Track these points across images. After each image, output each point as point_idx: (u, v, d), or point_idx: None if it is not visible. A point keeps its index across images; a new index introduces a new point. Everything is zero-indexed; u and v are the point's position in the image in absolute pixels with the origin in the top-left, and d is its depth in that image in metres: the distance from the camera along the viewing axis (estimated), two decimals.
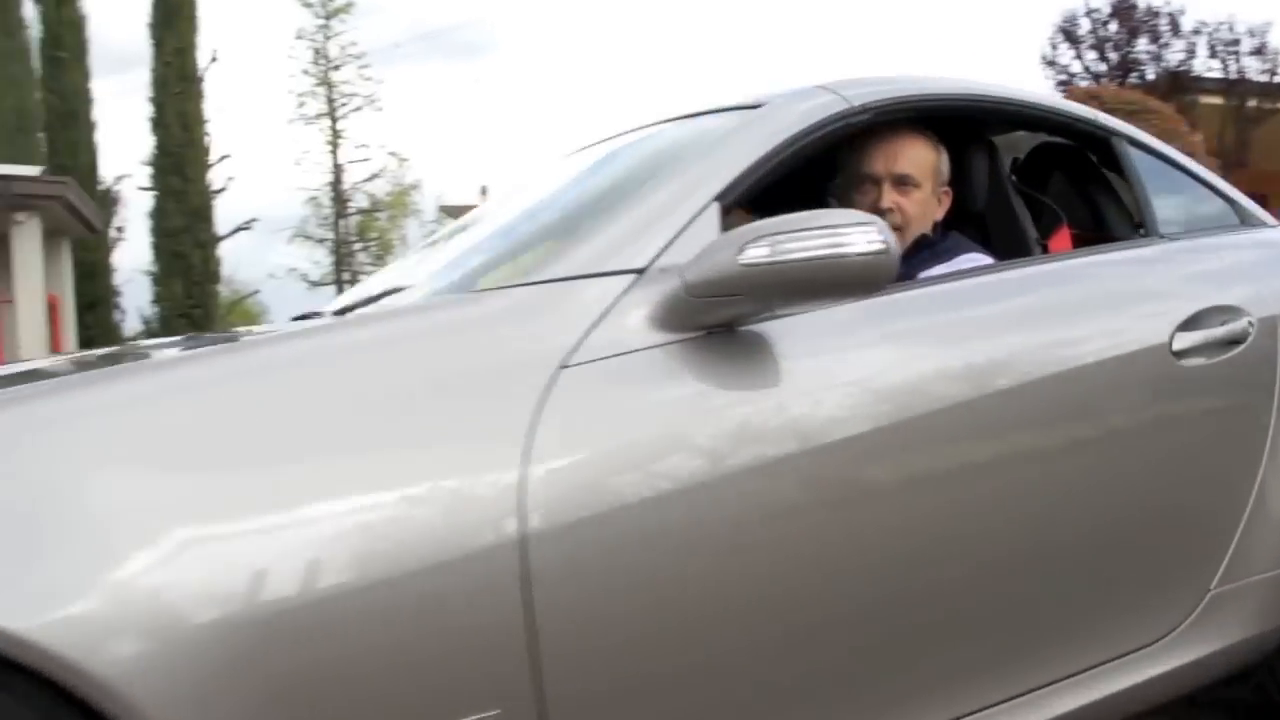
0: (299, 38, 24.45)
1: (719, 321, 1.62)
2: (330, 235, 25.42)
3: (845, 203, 2.30)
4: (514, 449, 1.42)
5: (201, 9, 20.67)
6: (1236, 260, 2.31)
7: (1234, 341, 2.11)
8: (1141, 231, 2.30)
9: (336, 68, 24.83)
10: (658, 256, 1.66)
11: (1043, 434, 1.88)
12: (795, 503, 1.63)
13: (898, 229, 2.26)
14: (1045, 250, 2.30)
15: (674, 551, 1.51)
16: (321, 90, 24.45)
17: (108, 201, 20.67)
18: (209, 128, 20.74)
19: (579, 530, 1.43)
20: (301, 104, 25.54)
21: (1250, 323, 2.14)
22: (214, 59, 23.06)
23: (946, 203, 2.37)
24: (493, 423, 1.45)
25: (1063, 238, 2.33)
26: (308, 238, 25.69)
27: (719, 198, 1.77)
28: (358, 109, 24.67)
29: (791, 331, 1.69)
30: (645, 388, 1.57)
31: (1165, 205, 2.40)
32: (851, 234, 1.57)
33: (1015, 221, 2.34)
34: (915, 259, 2.23)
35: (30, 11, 19.45)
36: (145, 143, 21.52)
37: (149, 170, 19.65)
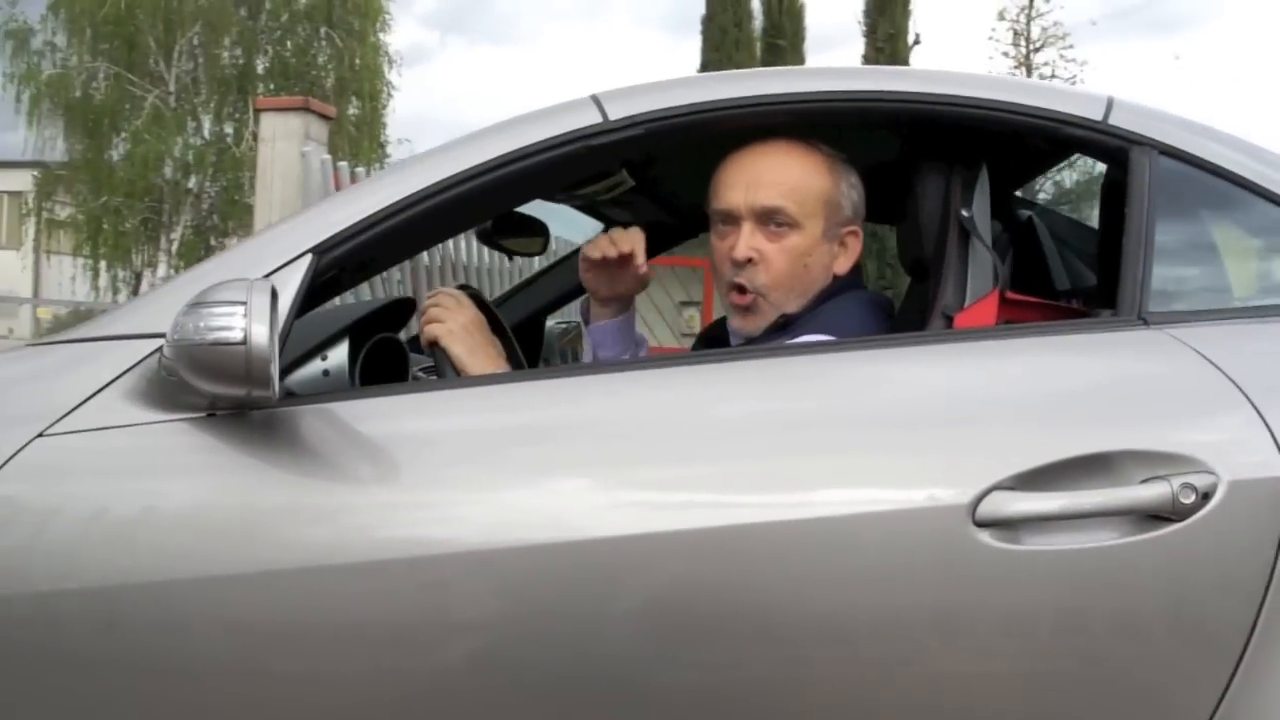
0: (1000, 18, 23.96)
1: (204, 404, 1.39)
2: None
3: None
4: None
5: None
6: (1258, 373, 1.42)
7: (1159, 516, 1.33)
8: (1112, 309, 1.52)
9: (1038, 49, 23.94)
10: None
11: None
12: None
13: (762, 294, 1.71)
14: (949, 324, 1.61)
15: (82, 647, 1.34)
16: (1020, 73, 23.74)
17: None
18: None
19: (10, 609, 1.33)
20: (1082, 87, 24.24)
21: (1205, 488, 1.32)
22: (917, 41, 23.28)
23: (854, 249, 1.74)
24: None
25: (982, 309, 1.60)
26: None
27: (316, 250, 1.48)
28: None
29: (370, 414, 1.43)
30: (101, 470, 1.40)
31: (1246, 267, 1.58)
32: (214, 315, 1.28)
33: (940, 280, 1.66)
34: (773, 340, 1.68)
35: (757, 4, 21.03)
36: None
37: None
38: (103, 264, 20.73)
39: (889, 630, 1.32)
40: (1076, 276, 2.04)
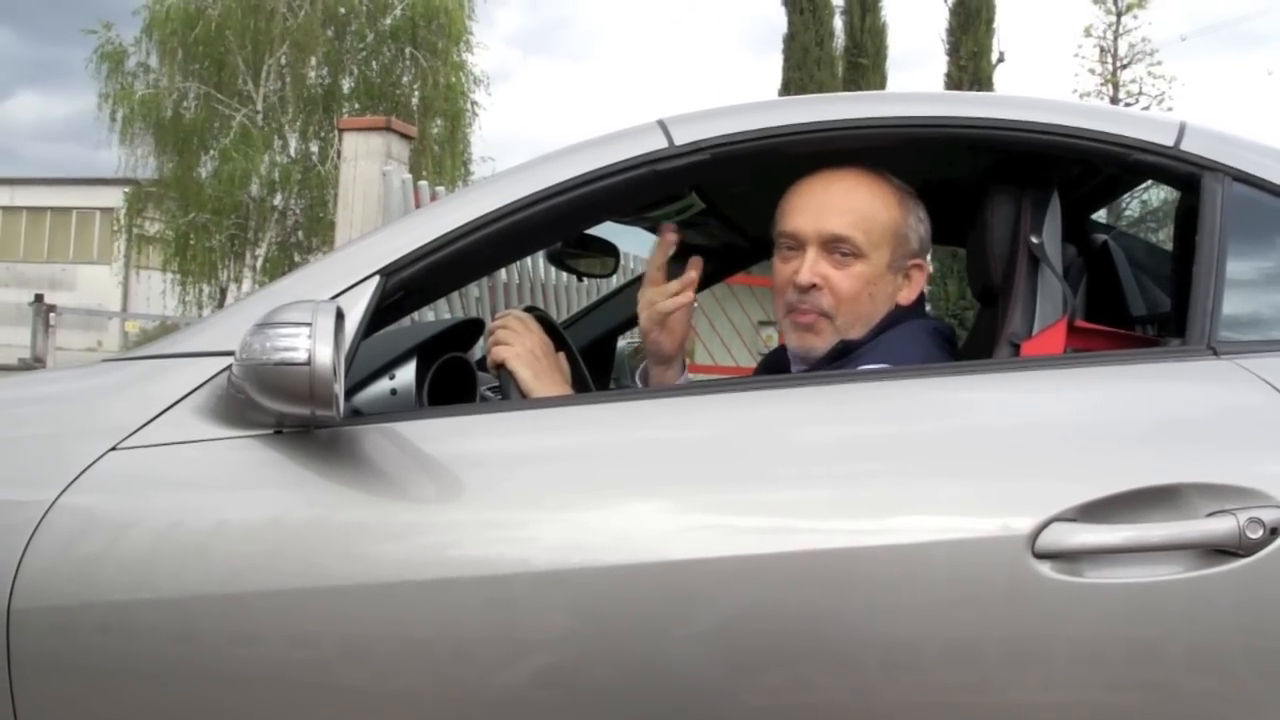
0: (1087, 35, 23.58)
1: (271, 422, 1.42)
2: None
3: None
4: (23, 527, 1.38)
5: (999, 13, 20.65)
6: None
7: (1225, 550, 1.29)
8: (1160, 334, 1.50)
9: (1125, 66, 23.52)
10: None
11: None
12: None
13: (826, 316, 1.69)
14: (1016, 352, 1.59)
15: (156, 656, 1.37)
16: (1106, 90, 23.35)
17: None
18: None
19: (68, 616, 1.37)
20: (1156, 112, 23.89)
21: (1274, 522, 1.29)
22: (1001, 59, 23.00)
23: (918, 281, 1.73)
24: (10, 497, 1.44)
25: (1049, 337, 1.57)
26: None
27: (383, 272, 1.51)
28: (1145, 109, 23.17)
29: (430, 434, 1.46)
30: (173, 484, 1.44)
31: None
32: (280, 336, 1.31)
33: (1008, 307, 1.64)
34: (833, 368, 1.67)
35: (839, 23, 20.96)
36: None
37: None
38: (190, 279, 21.17)
39: (958, 659, 1.31)
40: (1153, 302, 2.01)
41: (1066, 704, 1.30)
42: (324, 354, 1.28)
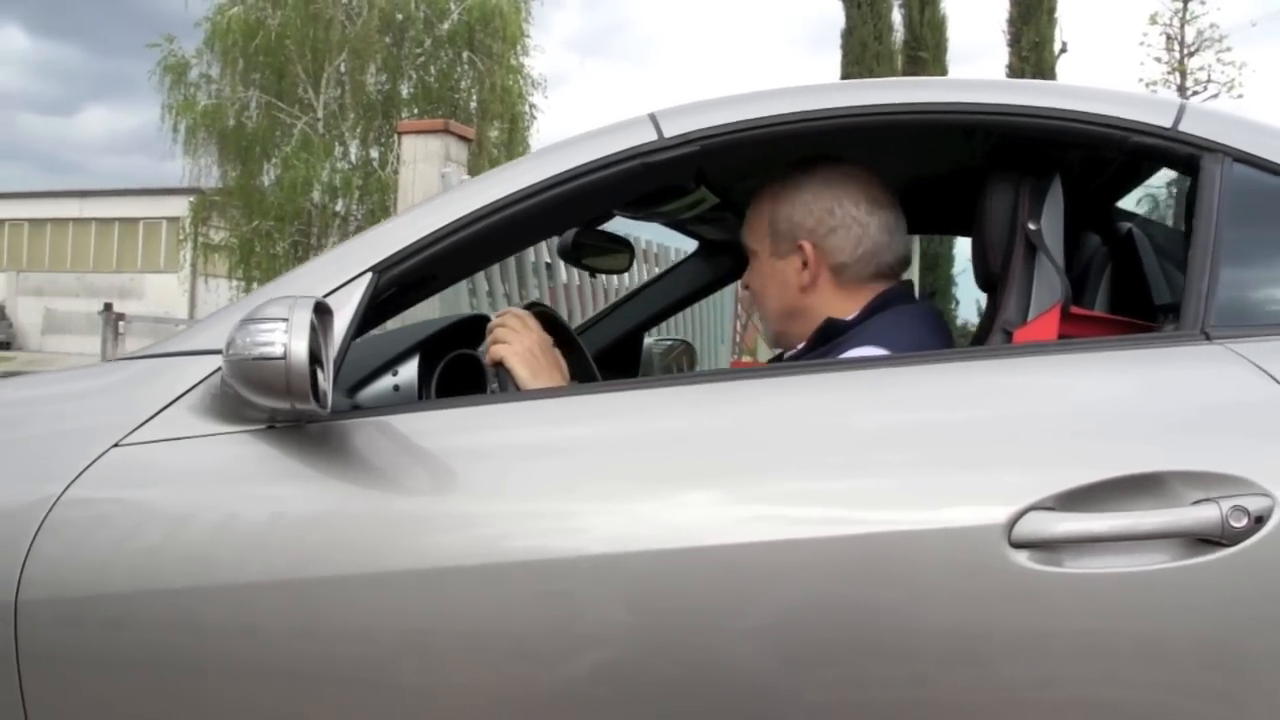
0: (1153, 23, 23.19)
1: (263, 417, 1.45)
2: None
3: None
4: (28, 524, 1.41)
5: (1060, 2, 20.38)
6: None
7: (1209, 540, 1.26)
8: (1173, 322, 1.47)
9: (1192, 53, 23.10)
10: None
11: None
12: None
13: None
14: (1008, 339, 1.57)
15: (170, 646, 1.40)
16: (1174, 78, 22.97)
17: None
18: None
19: (77, 608, 1.40)
20: (1152, 93, 23.42)
21: (1259, 511, 1.25)
22: (1064, 49, 22.63)
23: (819, 261, 1.74)
24: (16, 492, 1.46)
25: (1043, 324, 1.55)
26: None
27: (376, 269, 1.52)
28: (1214, 96, 22.76)
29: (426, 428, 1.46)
30: (173, 479, 1.46)
31: None
32: (259, 331, 1.33)
33: (1003, 294, 1.62)
34: (816, 355, 1.67)
35: (897, 16, 20.77)
36: None
37: None
38: (255, 285, 21.43)
39: (950, 651, 1.28)
40: (1178, 290, 1.98)
41: (1057, 699, 1.28)
42: (299, 348, 1.29)
